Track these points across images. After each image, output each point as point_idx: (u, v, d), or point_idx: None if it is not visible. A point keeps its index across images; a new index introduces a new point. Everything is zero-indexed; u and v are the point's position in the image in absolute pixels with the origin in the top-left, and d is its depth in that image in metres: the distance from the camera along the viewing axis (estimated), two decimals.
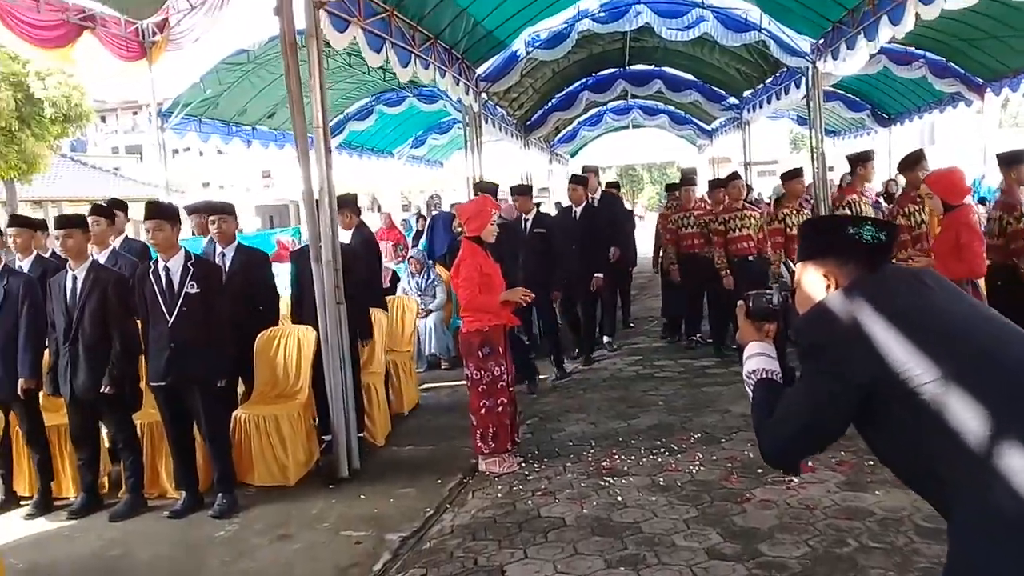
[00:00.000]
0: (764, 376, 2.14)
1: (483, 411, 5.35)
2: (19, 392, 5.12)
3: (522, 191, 8.46)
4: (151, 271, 5.05)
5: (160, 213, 5.05)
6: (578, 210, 8.52)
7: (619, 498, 4.74)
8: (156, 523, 5.01)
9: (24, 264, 5.80)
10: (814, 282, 2.00)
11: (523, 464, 5.48)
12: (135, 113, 50.01)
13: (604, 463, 5.38)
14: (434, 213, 14.32)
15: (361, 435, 6.09)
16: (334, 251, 5.52)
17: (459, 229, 6.64)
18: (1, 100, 21.84)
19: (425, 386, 8.13)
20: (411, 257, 9.81)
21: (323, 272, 5.47)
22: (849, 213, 7.05)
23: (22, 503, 5.39)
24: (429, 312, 9.17)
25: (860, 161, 7.72)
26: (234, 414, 5.59)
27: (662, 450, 5.55)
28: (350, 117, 16.14)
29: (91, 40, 9.64)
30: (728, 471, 5.05)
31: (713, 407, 6.59)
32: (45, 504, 5.29)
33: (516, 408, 5.68)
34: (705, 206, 9.28)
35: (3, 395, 5.16)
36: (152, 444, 5.41)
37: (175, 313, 4.98)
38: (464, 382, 5.60)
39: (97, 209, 6.20)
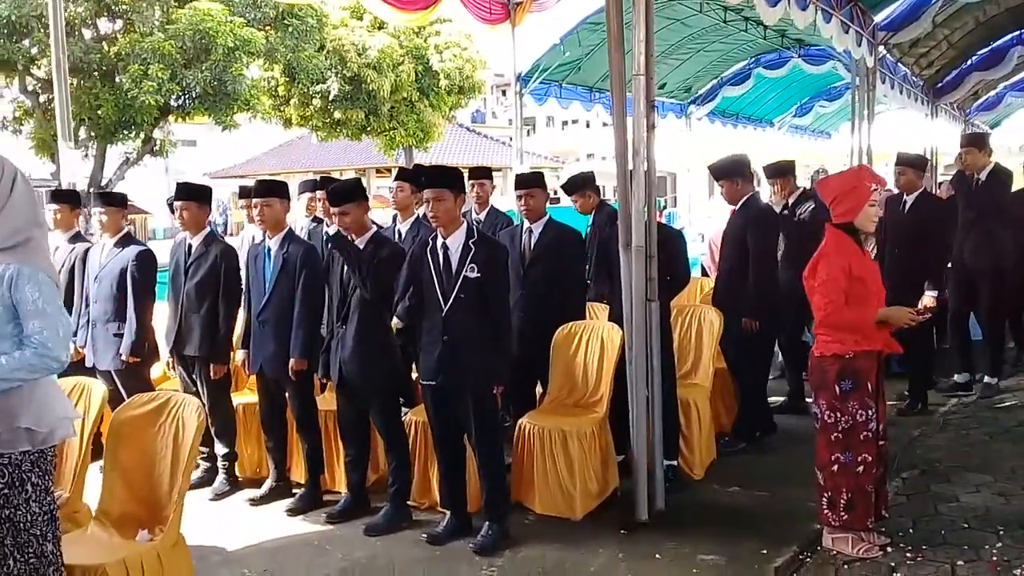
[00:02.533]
0: None
1: (835, 468, 3.80)
2: (290, 373, 4.63)
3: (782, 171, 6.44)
4: (428, 248, 4.25)
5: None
6: (908, 199, 6.22)
7: None
8: (411, 546, 4.22)
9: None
10: None
11: (889, 549, 3.86)
12: None
13: (1020, 571, 3.58)
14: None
15: (673, 463, 4.86)
16: (648, 234, 4.31)
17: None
18: (403, 72, 23.59)
19: (773, 400, 6.59)
20: None
21: (631, 260, 4.29)
22: None
23: (295, 491, 4.94)
24: None
25: None
26: (519, 423, 4.67)
27: None
28: (725, 82, 14.75)
29: (454, 3, 9.35)
30: None
31: None
32: (312, 498, 4.79)
33: (887, 468, 4.04)
34: None
35: (276, 373, 4.72)
36: (425, 447, 4.65)
37: (451, 301, 4.13)
38: (815, 411, 3.97)
39: (403, 173, 5.62)
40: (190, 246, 5.01)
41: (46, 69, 17.87)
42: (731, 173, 5.54)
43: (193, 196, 4.99)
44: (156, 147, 20.00)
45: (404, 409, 5.25)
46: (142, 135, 18.86)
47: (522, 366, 4.96)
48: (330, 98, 22.82)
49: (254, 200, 4.72)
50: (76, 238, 5.63)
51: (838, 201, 3.92)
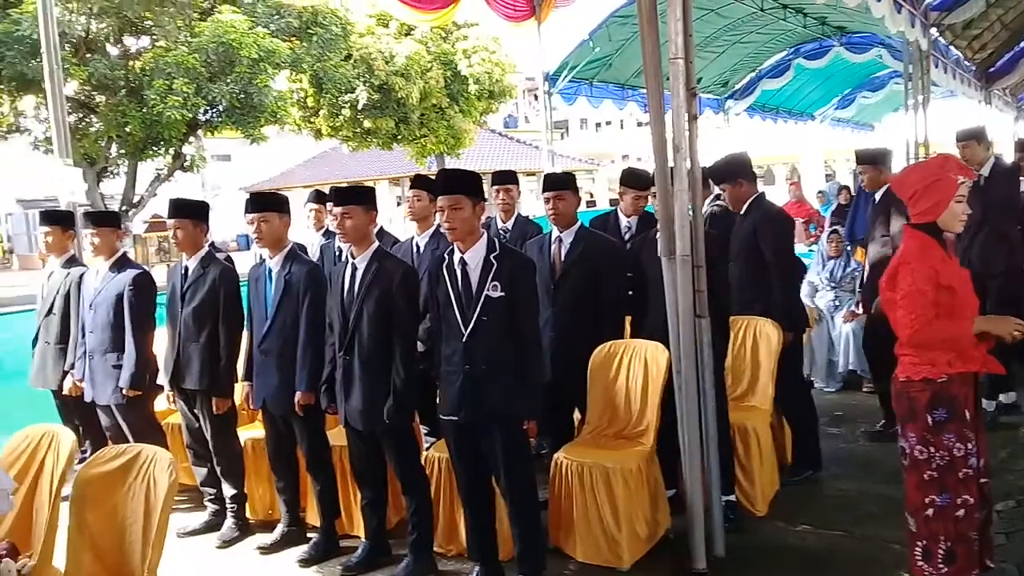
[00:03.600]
0: None
1: (930, 513, 3.21)
2: (296, 408, 4.15)
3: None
4: (444, 265, 3.74)
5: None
6: (877, 197, 5.73)
7: None
8: None
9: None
10: None
11: None
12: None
13: None
14: (860, 184, 11.75)
15: (731, 499, 4.30)
16: (695, 240, 3.76)
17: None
18: (432, 79, 23.21)
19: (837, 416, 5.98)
20: (833, 230, 7.61)
21: (676, 271, 3.74)
22: None
23: (310, 536, 4.44)
24: (854, 315, 6.95)
25: None
26: (555, 457, 4.13)
27: None
28: (763, 74, 14.16)
29: (477, 1, 8.91)
30: None
31: None
32: (327, 546, 4.29)
33: (991, 511, 3.43)
34: None
35: (281, 408, 4.23)
36: (450, 487, 4.13)
37: (472, 324, 3.61)
38: (902, 446, 3.34)
39: (420, 181, 5.13)
40: (186, 268, 4.55)
41: (74, 88, 17.75)
42: (733, 175, 4.95)
43: (188, 213, 4.51)
44: (187, 163, 19.77)
45: (430, 439, 4.78)
46: (171, 151, 18.63)
47: (556, 392, 4.44)
48: (359, 107, 22.51)
49: (250, 216, 4.23)
50: (71, 262, 5.23)
51: (918, 197, 3.32)
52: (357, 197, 3.94)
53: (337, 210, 3.92)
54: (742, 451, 4.47)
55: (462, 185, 3.66)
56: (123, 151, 18.26)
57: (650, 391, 4.21)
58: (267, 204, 4.26)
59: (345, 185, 4.66)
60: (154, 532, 2.72)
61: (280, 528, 4.49)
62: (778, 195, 19.74)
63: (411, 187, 5.11)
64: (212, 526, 4.70)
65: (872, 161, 5.77)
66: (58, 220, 5.22)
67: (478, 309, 3.60)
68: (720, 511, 4.02)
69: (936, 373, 3.14)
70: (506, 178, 5.69)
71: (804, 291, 7.23)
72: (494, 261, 3.63)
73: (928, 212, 3.26)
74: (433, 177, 4.44)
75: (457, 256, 3.68)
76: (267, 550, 4.40)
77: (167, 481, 2.75)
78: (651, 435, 4.14)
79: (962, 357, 3.14)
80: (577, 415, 4.80)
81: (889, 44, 11.67)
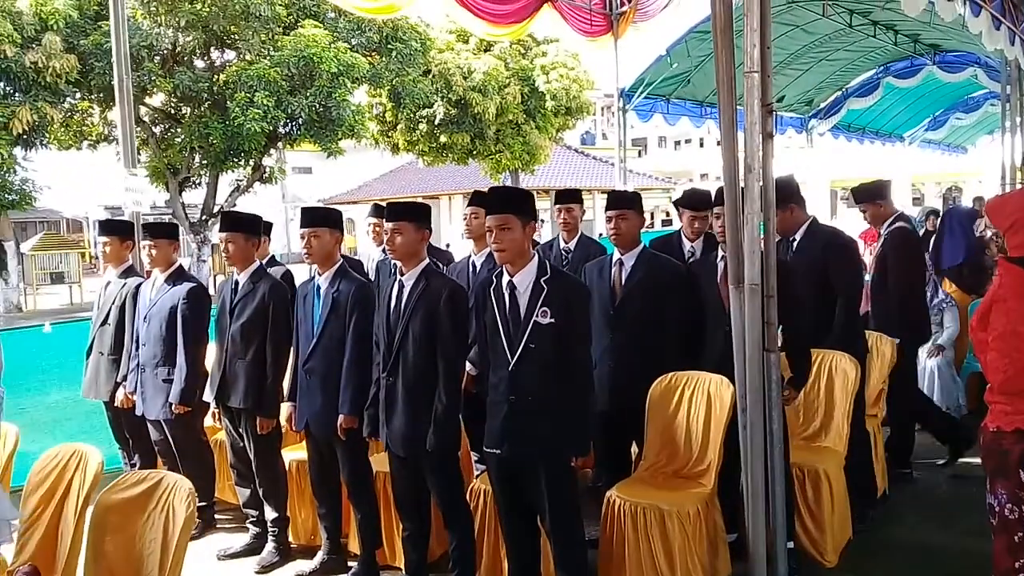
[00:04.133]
0: None
1: None
2: (339, 431, 3.99)
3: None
4: (492, 288, 3.54)
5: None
6: (882, 231, 5.38)
7: None
8: None
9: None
10: None
11: None
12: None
13: None
14: (949, 207, 11.15)
15: (790, 546, 3.95)
16: (766, 269, 3.48)
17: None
18: (509, 94, 23.17)
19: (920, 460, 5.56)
20: None
21: (744, 301, 3.47)
22: None
23: (351, 564, 4.28)
24: (940, 349, 6.54)
25: None
26: (607, 495, 3.87)
27: None
28: (850, 93, 13.67)
29: (552, 14, 8.75)
30: None
31: None
32: None
33: None
34: None
35: (324, 431, 4.07)
36: (495, 521, 3.91)
37: (518, 352, 3.39)
38: (991, 503, 3.00)
39: (478, 198, 4.93)
40: (237, 283, 4.46)
41: (161, 99, 18.24)
42: (785, 200, 4.46)
43: (239, 227, 4.42)
44: (266, 174, 20.09)
45: (481, 467, 4.57)
46: (251, 162, 18.95)
47: (614, 424, 4.19)
48: (436, 122, 22.56)
49: (302, 230, 4.10)
50: (128, 272, 5.21)
51: (1018, 228, 2.99)
52: (409, 213, 3.77)
53: (388, 226, 3.75)
54: (812, 496, 4.14)
55: (511, 204, 3.46)
56: (205, 162, 18.65)
57: (712, 428, 3.92)
58: (319, 219, 4.11)
59: (405, 200, 4.52)
60: (170, 563, 2.58)
61: (320, 556, 4.33)
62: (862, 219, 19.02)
63: (468, 204, 4.93)
64: (253, 549, 4.57)
65: (869, 198, 5.38)
66: (116, 230, 5.20)
67: (526, 336, 3.39)
68: (784, 559, 3.71)
69: None
70: (569, 197, 5.45)
71: None
72: (544, 285, 3.41)
73: None
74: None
75: (505, 279, 3.47)
76: None
77: (184, 512, 2.60)
78: (712, 475, 3.85)
79: None
80: (635, 448, 4.54)
81: (986, 63, 11.12)
